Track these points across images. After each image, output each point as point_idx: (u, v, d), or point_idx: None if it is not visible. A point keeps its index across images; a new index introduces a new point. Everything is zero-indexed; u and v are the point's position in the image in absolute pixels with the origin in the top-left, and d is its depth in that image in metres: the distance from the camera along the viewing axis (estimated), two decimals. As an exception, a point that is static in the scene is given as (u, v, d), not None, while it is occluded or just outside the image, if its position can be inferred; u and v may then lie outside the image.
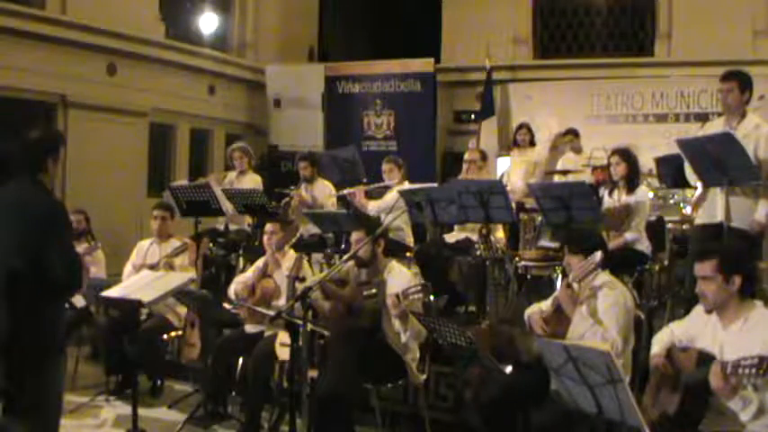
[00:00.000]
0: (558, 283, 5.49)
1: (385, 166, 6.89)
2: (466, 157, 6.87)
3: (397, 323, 4.51)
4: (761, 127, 4.79)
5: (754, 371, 2.95)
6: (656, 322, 5.10)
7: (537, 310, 4.22)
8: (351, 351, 4.44)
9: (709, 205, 4.92)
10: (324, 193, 7.28)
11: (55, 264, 3.27)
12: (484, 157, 6.96)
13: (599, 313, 3.84)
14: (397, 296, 4.38)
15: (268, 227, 5.50)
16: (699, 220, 5.10)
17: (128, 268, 6.04)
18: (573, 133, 8.52)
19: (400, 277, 4.72)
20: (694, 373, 3.28)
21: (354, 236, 4.93)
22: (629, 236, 5.67)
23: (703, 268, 3.39)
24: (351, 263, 4.72)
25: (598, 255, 3.93)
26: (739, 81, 4.81)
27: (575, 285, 4.01)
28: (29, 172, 3.40)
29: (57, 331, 3.48)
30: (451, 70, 10.88)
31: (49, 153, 3.48)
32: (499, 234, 6.32)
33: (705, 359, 3.27)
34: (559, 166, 8.36)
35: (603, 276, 4.01)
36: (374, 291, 4.59)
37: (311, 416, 4.07)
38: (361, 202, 6.82)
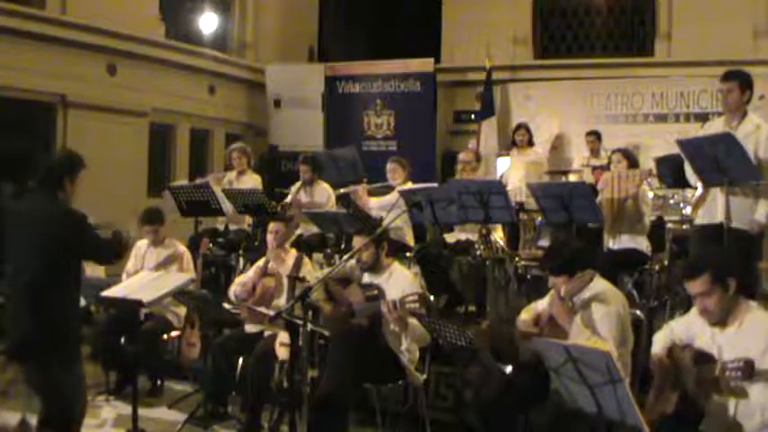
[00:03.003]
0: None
1: (389, 166, 6.89)
2: (460, 157, 6.84)
3: (395, 328, 4.51)
4: (761, 127, 4.78)
5: (740, 374, 3.04)
6: (656, 322, 5.10)
7: (526, 318, 4.19)
8: (349, 352, 4.44)
9: (709, 206, 4.92)
10: (323, 196, 7.27)
11: (89, 253, 3.98)
12: (478, 158, 6.94)
13: (593, 323, 3.81)
14: (394, 303, 4.37)
15: (272, 226, 5.50)
16: (699, 221, 5.10)
17: (125, 274, 6.03)
18: (594, 134, 8.56)
19: (401, 281, 4.71)
20: (691, 372, 3.29)
21: (356, 241, 4.92)
22: (629, 240, 5.67)
23: (697, 285, 3.35)
24: (352, 262, 4.72)
25: (588, 271, 3.91)
26: (740, 81, 4.81)
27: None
28: (48, 189, 3.78)
29: (76, 328, 3.83)
30: (451, 70, 10.88)
31: (67, 174, 3.85)
32: (498, 233, 6.32)
33: (703, 358, 3.28)
34: (575, 166, 8.44)
35: (593, 283, 3.97)
36: (375, 292, 4.59)
37: (311, 416, 4.07)
38: (363, 199, 6.83)
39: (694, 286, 3.37)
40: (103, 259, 4.22)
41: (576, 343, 3.42)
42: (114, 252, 4.03)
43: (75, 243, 3.75)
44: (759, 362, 3.14)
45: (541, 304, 4.18)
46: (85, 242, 3.82)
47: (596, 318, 3.81)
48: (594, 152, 8.48)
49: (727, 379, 3.10)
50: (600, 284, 3.99)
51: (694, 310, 3.60)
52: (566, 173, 8.34)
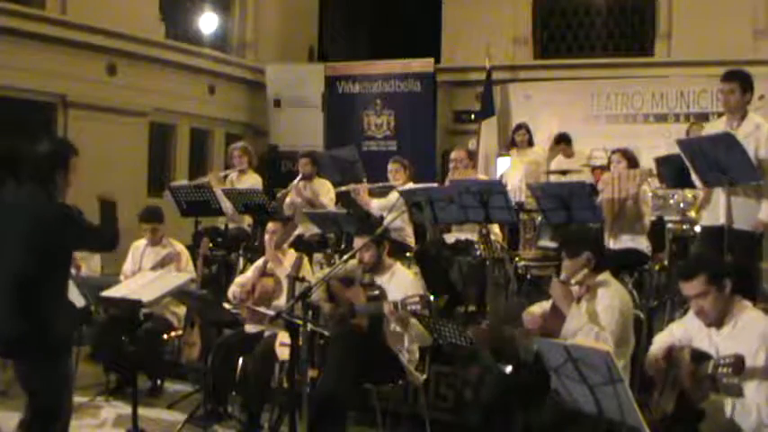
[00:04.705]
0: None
1: (391, 166, 6.87)
2: (451, 156, 6.78)
3: (397, 327, 4.52)
4: (762, 127, 4.78)
5: (730, 370, 3.05)
6: (656, 322, 5.11)
7: (533, 309, 4.21)
8: (349, 352, 4.45)
9: (712, 207, 4.92)
10: (322, 190, 7.27)
11: (88, 244, 3.98)
12: (471, 156, 6.90)
13: (596, 313, 3.83)
14: (395, 305, 4.38)
15: (270, 226, 5.50)
16: (703, 222, 5.11)
17: (122, 276, 6.03)
18: (563, 141, 8.49)
19: (403, 282, 4.72)
20: (687, 370, 3.30)
21: (357, 241, 4.93)
22: (630, 240, 5.67)
23: (693, 287, 3.36)
24: (355, 262, 4.72)
25: (584, 254, 3.94)
26: (741, 81, 4.80)
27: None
28: (38, 183, 3.62)
29: (66, 325, 3.71)
30: (451, 70, 10.88)
31: (57, 167, 3.66)
32: (496, 230, 6.31)
33: (700, 357, 3.28)
34: (553, 167, 8.38)
35: (601, 276, 4.00)
36: (377, 293, 4.60)
37: (311, 416, 4.07)
38: (364, 199, 6.83)
39: (690, 288, 3.38)
40: (104, 246, 4.07)
41: (576, 342, 3.43)
42: (112, 236, 3.87)
43: (71, 237, 3.65)
44: (752, 361, 3.16)
45: (549, 303, 4.20)
46: (81, 234, 3.70)
47: (598, 309, 3.84)
48: (567, 156, 8.40)
49: (720, 376, 3.11)
50: (606, 277, 4.01)
51: (692, 313, 3.60)
52: (565, 173, 8.33)
